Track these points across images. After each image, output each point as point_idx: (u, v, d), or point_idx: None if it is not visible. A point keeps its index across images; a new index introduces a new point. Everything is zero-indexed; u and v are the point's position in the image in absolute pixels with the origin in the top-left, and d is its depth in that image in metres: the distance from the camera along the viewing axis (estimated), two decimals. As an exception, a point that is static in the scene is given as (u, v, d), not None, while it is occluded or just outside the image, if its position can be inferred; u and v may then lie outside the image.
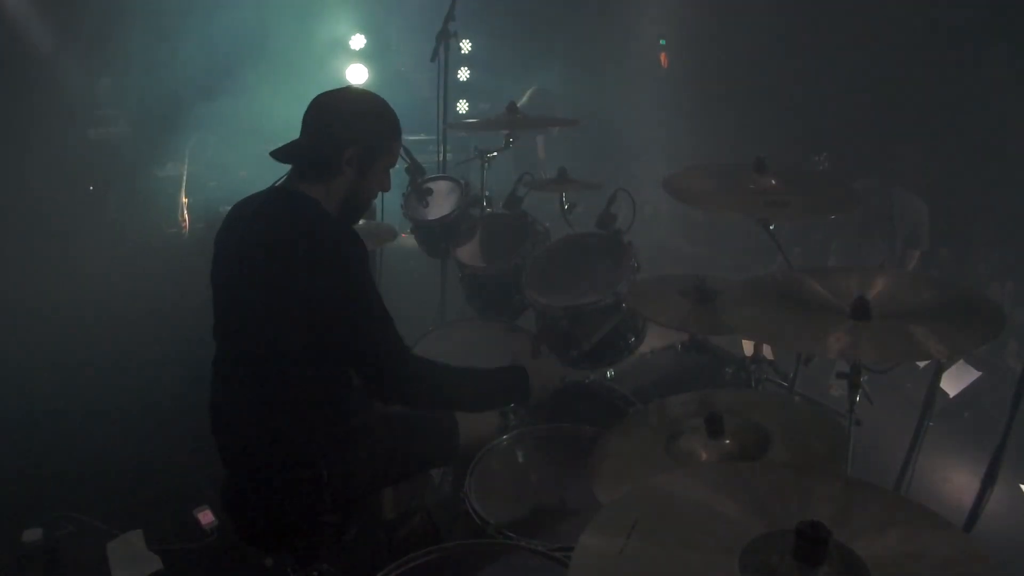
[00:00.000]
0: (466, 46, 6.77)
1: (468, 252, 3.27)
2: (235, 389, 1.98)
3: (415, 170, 3.50)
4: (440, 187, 3.57)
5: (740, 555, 1.16)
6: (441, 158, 4.42)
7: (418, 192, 3.48)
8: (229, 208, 2.07)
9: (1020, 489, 3.12)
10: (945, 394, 3.71)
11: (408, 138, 2.06)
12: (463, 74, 6.89)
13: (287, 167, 2.01)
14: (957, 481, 3.08)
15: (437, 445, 2.25)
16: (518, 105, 3.47)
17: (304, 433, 1.93)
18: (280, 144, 1.98)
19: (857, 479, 1.37)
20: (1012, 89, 4.39)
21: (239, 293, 1.95)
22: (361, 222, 3.06)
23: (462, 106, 6.86)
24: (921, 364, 3.63)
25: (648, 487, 1.40)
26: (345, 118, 1.95)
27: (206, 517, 3.03)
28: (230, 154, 6.12)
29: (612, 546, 1.20)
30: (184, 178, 6.49)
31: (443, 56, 4.02)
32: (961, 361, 3.76)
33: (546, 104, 6.35)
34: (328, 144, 1.93)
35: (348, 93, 2.01)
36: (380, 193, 2.14)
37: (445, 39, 3.94)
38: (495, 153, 3.46)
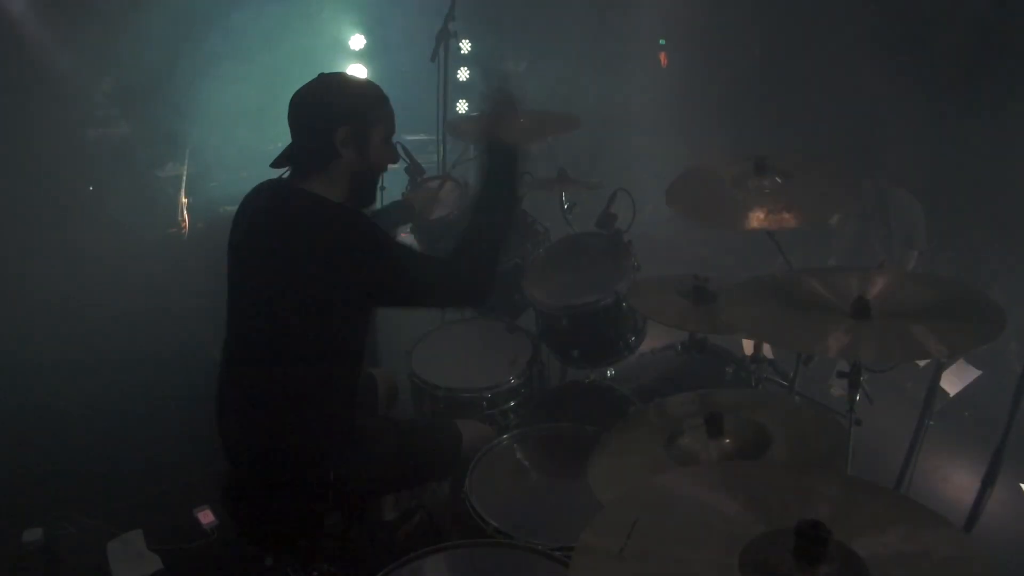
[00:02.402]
0: (466, 46, 6.77)
1: (468, 252, 3.27)
2: (243, 386, 1.98)
3: (415, 170, 3.50)
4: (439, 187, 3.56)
5: (740, 555, 1.16)
6: (441, 158, 4.42)
7: (418, 191, 3.48)
8: (229, 208, 2.07)
9: (1020, 489, 3.11)
10: (945, 393, 3.69)
11: (408, 138, 2.05)
12: (463, 74, 6.88)
13: None
14: (957, 481, 3.08)
15: (441, 456, 2.25)
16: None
17: (311, 432, 1.93)
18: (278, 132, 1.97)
19: (857, 479, 1.37)
20: (1011, 90, 4.39)
21: (249, 289, 1.96)
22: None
23: (462, 106, 6.85)
24: (921, 363, 3.63)
25: (648, 487, 1.40)
26: (324, 103, 1.93)
27: (206, 517, 3.02)
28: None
29: (612, 546, 1.20)
30: (184, 178, 6.48)
31: (443, 56, 4.02)
32: (961, 360, 3.75)
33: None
34: (317, 133, 1.91)
35: (320, 80, 1.97)
36: (379, 193, 2.13)
37: (445, 39, 3.94)
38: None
